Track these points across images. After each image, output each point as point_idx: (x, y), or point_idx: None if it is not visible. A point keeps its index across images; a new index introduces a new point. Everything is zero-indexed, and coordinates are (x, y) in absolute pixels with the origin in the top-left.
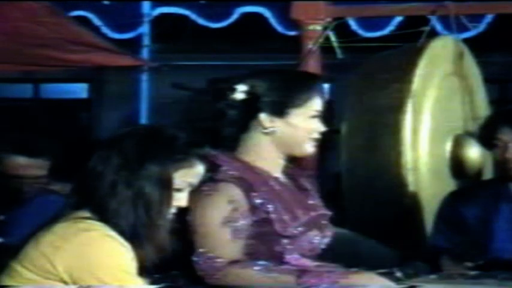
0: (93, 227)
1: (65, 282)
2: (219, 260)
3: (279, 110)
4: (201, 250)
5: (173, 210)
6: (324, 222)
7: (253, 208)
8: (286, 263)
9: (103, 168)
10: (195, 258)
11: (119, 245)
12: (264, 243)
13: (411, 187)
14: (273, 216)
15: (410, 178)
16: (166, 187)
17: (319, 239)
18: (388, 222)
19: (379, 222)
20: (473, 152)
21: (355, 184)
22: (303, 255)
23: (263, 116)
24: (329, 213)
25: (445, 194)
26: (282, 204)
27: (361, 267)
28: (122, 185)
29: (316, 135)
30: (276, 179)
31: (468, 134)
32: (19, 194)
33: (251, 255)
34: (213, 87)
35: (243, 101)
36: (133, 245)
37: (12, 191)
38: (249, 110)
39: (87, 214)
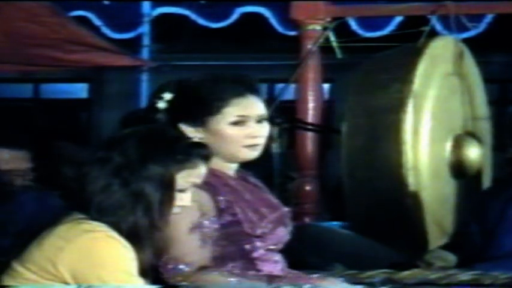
0: (96, 228)
1: (67, 283)
2: (187, 266)
3: (196, 119)
4: (169, 256)
5: (176, 210)
6: (287, 219)
7: (220, 211)
8: (255, 258)
9: (104, 169)
10: (162, 263)
11: (121, 246)
12: (233, 243)
13: (411, 187)
14: (240, 217)
15: (410, 178)
16: (169, 188)
17: (284, 234)
18: (388, 222)
19: (380, 222)
20: (473, 152)
21: (355, 184)
22: (269, 250)
23: (183, 126)
24: (289, 210)
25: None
26: (247, 205)
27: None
28: (123, 186)
29: (252, 141)
30: (235, 180)
31: (468, 134)
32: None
33: (222, 257)
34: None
35: (166, 109)
36: (133, 246)
37: None
38: (173, 119)
39: (88, 215)
